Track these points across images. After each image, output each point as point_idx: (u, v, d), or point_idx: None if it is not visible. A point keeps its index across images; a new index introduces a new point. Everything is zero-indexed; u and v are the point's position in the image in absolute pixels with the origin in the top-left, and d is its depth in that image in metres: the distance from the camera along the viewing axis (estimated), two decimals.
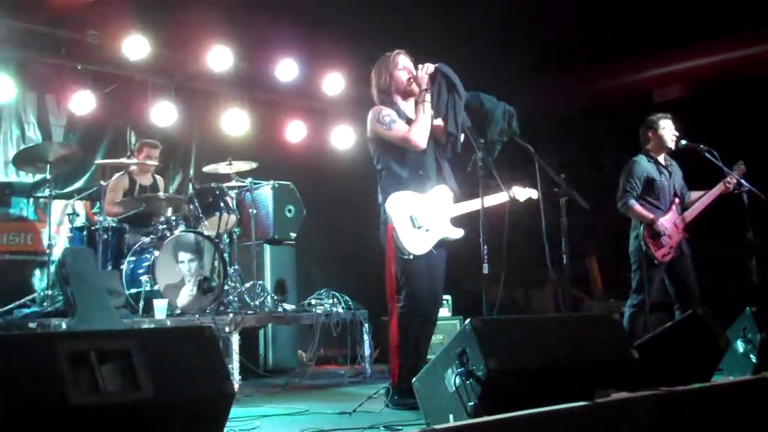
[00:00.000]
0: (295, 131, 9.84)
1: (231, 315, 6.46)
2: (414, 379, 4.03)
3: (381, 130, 5.12)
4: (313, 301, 7.45)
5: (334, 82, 9.66)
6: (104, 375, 2.79)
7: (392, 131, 5.08)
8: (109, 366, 2.82)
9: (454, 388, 3.63)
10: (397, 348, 4.93)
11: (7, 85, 7.66)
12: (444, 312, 7.95)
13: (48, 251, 6.54)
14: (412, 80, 5.21)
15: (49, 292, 6.30)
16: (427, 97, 5.12)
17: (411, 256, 4.94)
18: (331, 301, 7.34)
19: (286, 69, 9.24)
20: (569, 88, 10.52)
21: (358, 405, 4.95)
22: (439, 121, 5.20)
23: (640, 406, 3.61)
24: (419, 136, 5.05)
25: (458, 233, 5.19)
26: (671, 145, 6.62)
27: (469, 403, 3.54)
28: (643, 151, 6.72)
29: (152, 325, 5.97)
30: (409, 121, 5.14)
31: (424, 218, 5.02)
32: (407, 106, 5.27)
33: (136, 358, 2.88)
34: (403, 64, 5.26)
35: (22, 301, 6.58)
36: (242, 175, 7.81)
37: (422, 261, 4.99)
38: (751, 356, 4.93)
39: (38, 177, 7.58)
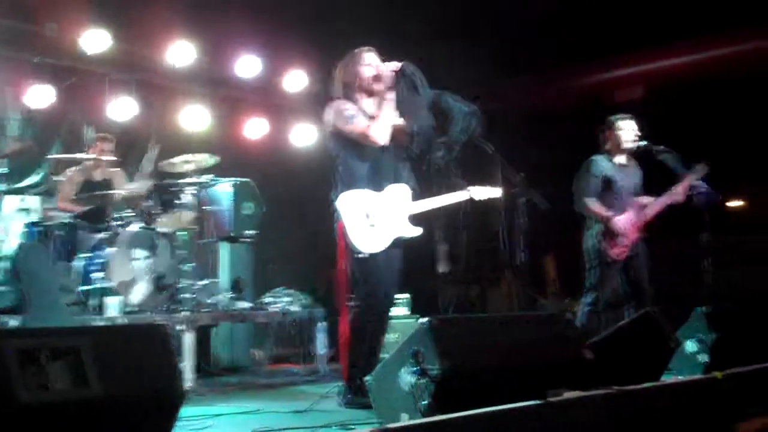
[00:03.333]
0: (256, 128, 9.79)
1: (186, 313, 6.41)
2: (368, 378, 4.03)
3: (341, 124, 5.10)
4: (269, 299, 7.41)
5: (295, 79, 9.64)
6: (54, 373, 2.75)
7: (352, 125, 5.07)
8: (59, 364, 2.79)
9: (407, 387, 3.64)
10: (350, 346, 4.93)
11: None
12: (402, 311, 7.97)
13: None
14: (377, 78, 5.20)
15: (1, 288, 6.19)
16: (390, 95, 5.11)
17: (363, 255, 4.93)
18: (286, 299, 7.31)
19: (248, 65, 9.21)
20: (531, 89, 10.61)
21: (312, 404, 4.94)
22: (400, 120, 5.20)
23: (592, 405, 3.64)
24: (379, 132, 5.04)
25: (416, 231, 5.19)
26: (630, 145, 6.66)
27: (423, 402, 3.55)
28: (603, 150, 6.77)
29: (105, 323, 5.91)
30: (371, 118, 5.14)
31: (378, 216, 5.01)
32: (368, 103, 5.25)
33: (87, 355, 2.84)
34: (369, 60, 5.24)
35: None
36: (201, 171, 7.74)
37: (378, 259, 4.98)
38: (703, 356, 4.99)
39: None
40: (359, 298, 5.02)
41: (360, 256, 4.93)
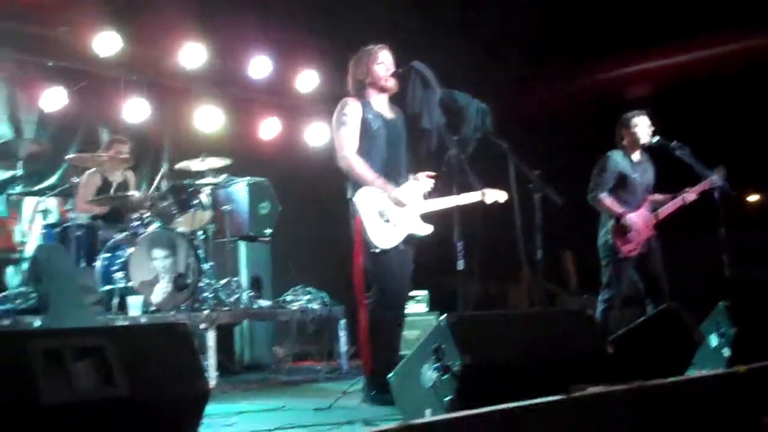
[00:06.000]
0: (269, 128, 9.80)
1: (206, 312, 6.44)
2: (390, 375, 4.04)
3: (334, 124, 5.12)
4: (289, 298, 7.44)
5: (307, 79, 9.64)
6: (78, 372, 2.76)
7: (339, 132, 5.08)
8: (83, 363, 2.79)
9: (430, 384, 3.65)
10: (370, 342, 4.93)
11: None
12: (421, 308, 8.00)
13: (20, 248, 6.48)
14: (390, 76, 5.20)
15: (23, 289, 6.23)
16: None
17: (378, 250, 4.93)
18: (306, 297, 7.33)
19: (260, 66, 9.21)
20: (545, 86, 10.58)
21: (335, 400, 4.94)
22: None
23: (615, 401, 3.64)
24: (348, 162, 5.05)
25: (427, 229, 5.18)
26: (645, 141, 6.64)
27: (445, 398, 3.55)
28: (619, 146, 6.75)
29: (127, 322, 5.94)
30: (377, 116, 5.12)
31: (392, 213, 5.02)
32: (379, 100, 5.25)
33: (111, 355, 2.85)
34: (382, 59, 5.24)
35: None
36: (216, 171, 7.77)
37: (392, 255, 4.99)
38: (725, 350, 4.98)
39: (9, 174, 7.50)
40: (374, 294, 5.03)
41: (374, 251, 4.93)
